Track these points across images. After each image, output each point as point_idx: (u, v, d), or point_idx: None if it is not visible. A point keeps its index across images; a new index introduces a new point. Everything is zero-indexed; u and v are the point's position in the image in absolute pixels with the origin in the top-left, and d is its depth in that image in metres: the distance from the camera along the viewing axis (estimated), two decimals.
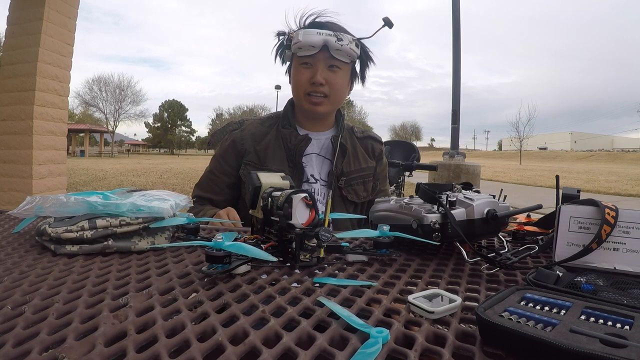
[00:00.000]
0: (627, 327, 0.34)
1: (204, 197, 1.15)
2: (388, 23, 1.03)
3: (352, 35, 1.04)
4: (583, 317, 0.37)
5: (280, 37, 1.09)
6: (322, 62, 1.04)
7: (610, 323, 0.35)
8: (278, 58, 1.13)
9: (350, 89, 1.16)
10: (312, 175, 1.11)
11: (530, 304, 0.40)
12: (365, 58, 1.13)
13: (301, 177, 1.10)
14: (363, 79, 1.17)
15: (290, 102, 1.17)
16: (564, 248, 0.56)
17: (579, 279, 0.47)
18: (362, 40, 1.08)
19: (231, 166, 1.13)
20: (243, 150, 1.12)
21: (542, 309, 0.39)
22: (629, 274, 0.51)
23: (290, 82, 1.15)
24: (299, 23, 1.08)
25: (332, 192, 1.06)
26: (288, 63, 1.14)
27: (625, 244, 0.53)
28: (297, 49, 1.03)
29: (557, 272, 0.48)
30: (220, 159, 1.15)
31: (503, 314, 0.37)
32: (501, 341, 0.35)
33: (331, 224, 0.94)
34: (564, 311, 0.38)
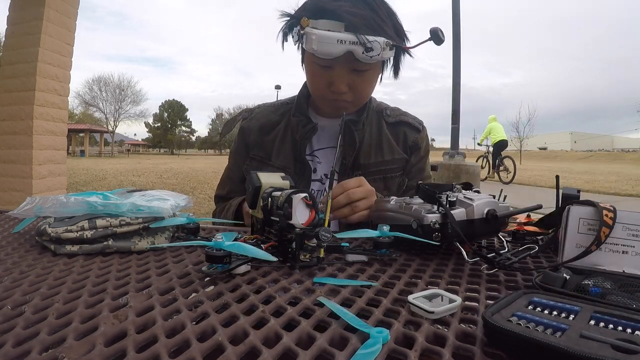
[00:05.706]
0: (637, 332, 0.34)
1: (227, 198, 1.05)
2: (435, 38, 0.77)
3: (387, 34, 0.80)
4: (592, 322, 0.36)
5: (287, 21, 0.86)
6: (344, 67, 0.84)
7: (620, 328, 0.34)
8: (292, 42, 0.89)
9: (380, 81, 0.94)
10: (325, 175, 0.96)
11: (538, 308, 0.39)
12: (400, 52, 0.91)
13: (307, 174, 0.95)
14: (397, 72, 0.94)
15: (306, 85, 0.98)
16: (572, 250, 0.55)
17: (586, 282, 0.46)
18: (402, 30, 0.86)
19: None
20: (250, 143, 1.02)
21: (550, 313, 0.38)
22: (638, 277, 0.50)
23: (303, 68, 0.93)
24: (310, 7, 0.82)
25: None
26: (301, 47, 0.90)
27: (634, 247, 0.52)
28: (311, 49, 0.80)
29: (564, 274, 0.47)
30: (236, 155, 1.06)
31: (511, 319, 0.36)
32: (510, 346, 0.34)
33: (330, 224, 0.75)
34: (573, 316, 0.37)
